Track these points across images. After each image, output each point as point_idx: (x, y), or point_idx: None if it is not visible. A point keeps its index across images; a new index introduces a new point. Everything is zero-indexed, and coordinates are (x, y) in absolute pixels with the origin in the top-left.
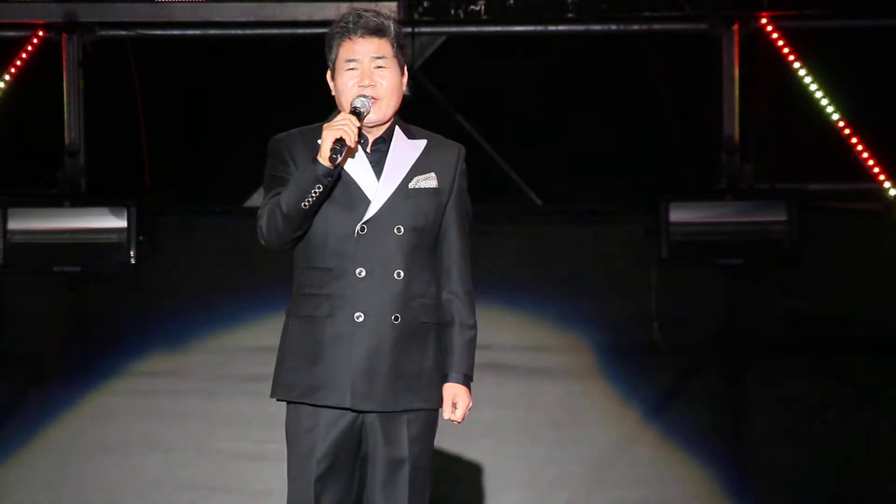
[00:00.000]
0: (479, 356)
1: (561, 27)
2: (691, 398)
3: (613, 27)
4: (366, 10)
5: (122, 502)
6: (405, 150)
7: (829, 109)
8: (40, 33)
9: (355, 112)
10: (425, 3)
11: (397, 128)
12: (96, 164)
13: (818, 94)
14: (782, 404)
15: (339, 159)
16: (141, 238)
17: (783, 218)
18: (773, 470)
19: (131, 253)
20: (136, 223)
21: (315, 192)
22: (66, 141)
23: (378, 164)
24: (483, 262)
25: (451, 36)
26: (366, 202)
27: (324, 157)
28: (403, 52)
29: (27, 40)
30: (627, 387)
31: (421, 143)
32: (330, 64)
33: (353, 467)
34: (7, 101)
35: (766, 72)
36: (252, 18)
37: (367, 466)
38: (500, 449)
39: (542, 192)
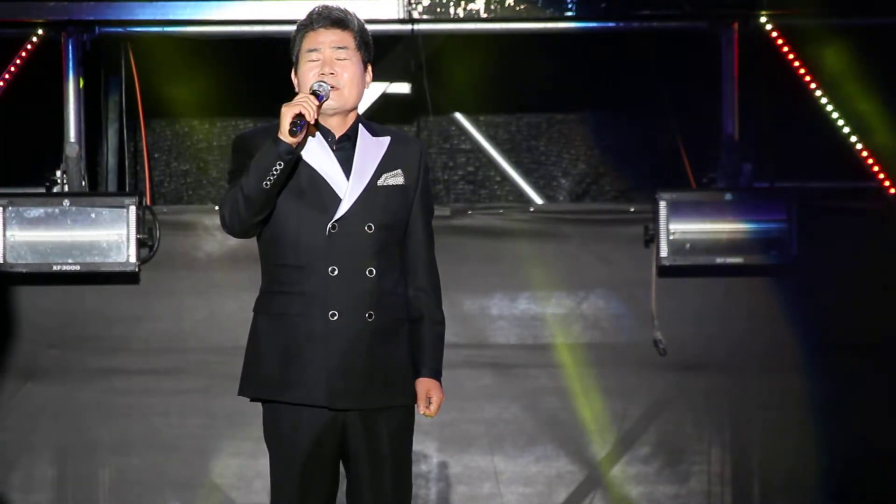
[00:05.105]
0: (480, 356)
1: (560, 25)
2: (691, 397)
3: (613, 25)
4: (332, 6)
5: (122, 502)
6: (371, 148)
7: (829, 108)
8: (40, 32)
9: (314, 94)
10: (424, 2)
11: (361, 125)
12: (96, 164)
13: (818, 93)
14: (782, 404)
15: (299, 133)
16: (141, 237)
17: (783, 217)
18: (772, 470)
19: (131, 252)
20: (136, 222)
21: (276, 170)
22: (66, 140)
23: (346, 162)
24: (483, 262)
25: (450, 35)
26: (336, 200)
27: (284, 133)
28: (369, 49)
29: (26, 39)
30: (627, 387)
31: (385, 140)
32: (294, 59)
33: (335, 467)
34: (7, 101)
35: (765, 70)
36: (252, 17)
37: (350, 465)
38: (500, 449)
39: (542, 192)
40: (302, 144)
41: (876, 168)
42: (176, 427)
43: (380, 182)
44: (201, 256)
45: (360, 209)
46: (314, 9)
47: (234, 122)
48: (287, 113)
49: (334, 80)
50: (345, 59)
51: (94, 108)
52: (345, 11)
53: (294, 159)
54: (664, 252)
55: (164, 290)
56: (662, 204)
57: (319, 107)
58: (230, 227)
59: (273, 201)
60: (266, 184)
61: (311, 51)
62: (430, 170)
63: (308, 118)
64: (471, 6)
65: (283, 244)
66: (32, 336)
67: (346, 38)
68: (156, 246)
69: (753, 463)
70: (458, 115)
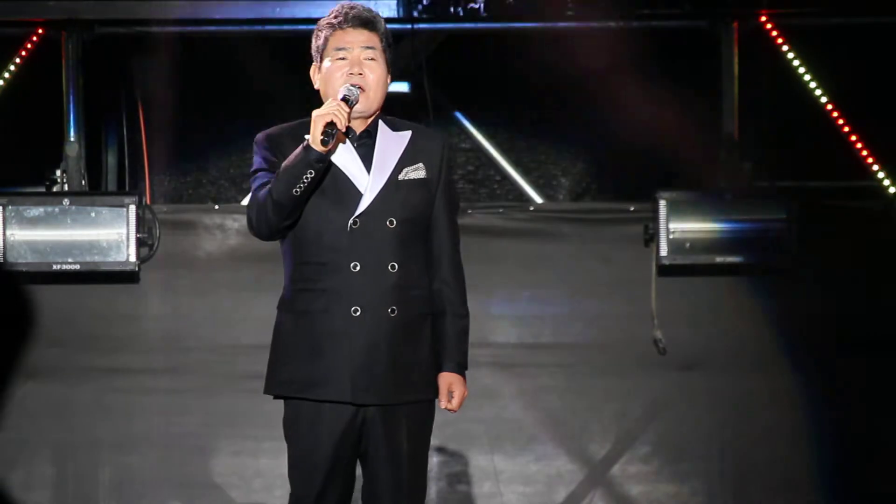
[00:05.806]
0: (480, 355)
1: (560, 24)
2: (691, 397)
3: (613, 24)
4: (357, 5)
5: (122, 502)
6: (392, 142)
7: (829, 107)
8: (39, 31)
9: (344, 100)
10: (424, 1)
11: (381, 121)
12: (96, 163)
13: (818, 92)
14: (782, 403)
15: (331, 143)
16: (140, 237)
17: (783, 216)
18: (772, 469)
19: (131, 251)
20: (136, 222)
21: (307, 178)
22: (66, 140)
23: (366, 158)
24: (483, 261)
25: (450, 34)
26: (357, 196)
27: (315, 142)
28: (391, 52)
29: (26, 38)
30: (627, 386)
31: (406, 135)
32: (317, 56)
33: (352, 464)
34: (7, 100)
35: (765, 70)
36: (251, 16)
37: (367, 463)
38: (499, 448)
39: (542, 192)
40: (332, 151)
41: (875, 167)
42: (176, 426)
43: (401, 176)
44: (201, 256)
45: (381, 204)
46: (340, 8)
47: (235, 121)
48: (319, 122)
49: (362, 80)
50: (372, 60)
51: (94, 107)
52: (371, 12)
53: (325, 167)
54: (664, 251)
55: (164, 289)
56: (662, 203)
57: (349, 113)
58: (258, 231)
59: (303, 206)
60: (296, 191)
61: (339, 49)
62: (453, 163)
63: (340, 126)
64: (470, 5)
65: (305, 241)
66: (32, 335)
67: (373, 38)
68: (156, 245)
69: (753, 463)
70: (458, 115)
